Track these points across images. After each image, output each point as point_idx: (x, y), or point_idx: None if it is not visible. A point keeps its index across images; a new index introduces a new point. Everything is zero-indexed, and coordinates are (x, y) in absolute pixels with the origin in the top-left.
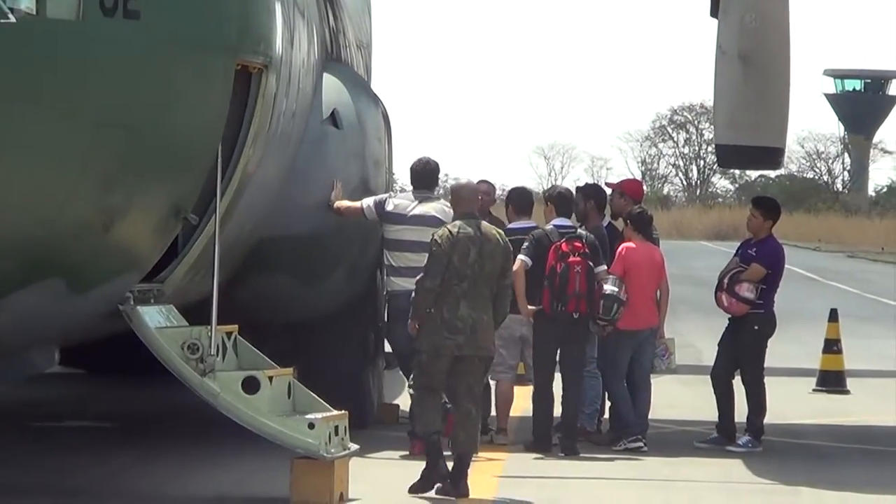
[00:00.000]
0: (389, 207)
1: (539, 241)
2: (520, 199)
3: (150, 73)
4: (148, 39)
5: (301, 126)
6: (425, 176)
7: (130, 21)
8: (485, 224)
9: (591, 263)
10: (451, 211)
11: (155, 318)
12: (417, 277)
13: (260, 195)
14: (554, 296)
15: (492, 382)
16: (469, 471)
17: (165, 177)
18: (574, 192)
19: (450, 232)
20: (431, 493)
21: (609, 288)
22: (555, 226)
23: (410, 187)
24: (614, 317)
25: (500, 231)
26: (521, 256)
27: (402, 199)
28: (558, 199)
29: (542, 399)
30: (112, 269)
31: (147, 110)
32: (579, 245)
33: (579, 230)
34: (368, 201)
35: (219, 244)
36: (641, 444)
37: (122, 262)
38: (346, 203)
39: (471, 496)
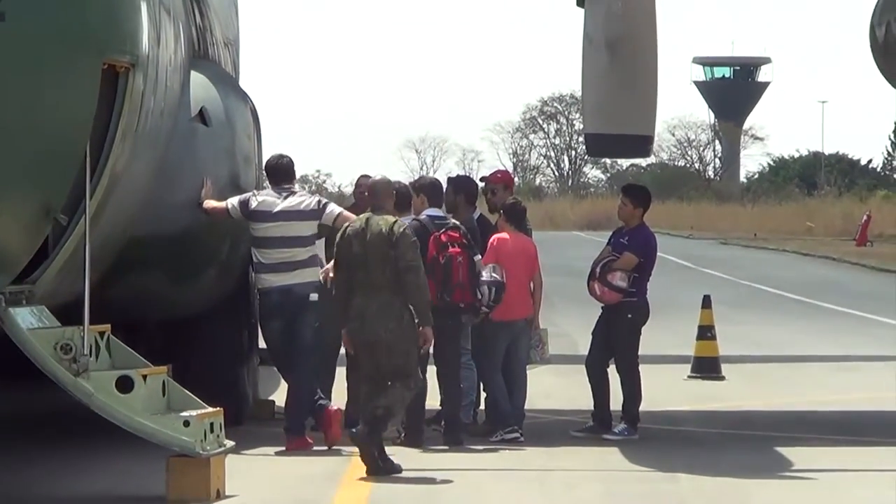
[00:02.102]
0: (254, 205)
1: (417, 233)
2: (436, 190)
3: (15, 75)
4: (13, 41)
5: (169, 124)
6: (280, 171)
7: None
8: (374, 217)
9: (470, 254)
10: (313, 201)
11: (27, 320)
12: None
13: (129, 194)
14: (438, 286)
15: None
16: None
17: (34, 178)
18: (447, 183)
19: (343, 229)
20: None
21: (489, 275)
22: (429, 216)
23: (268, 185)
24: (495, 302)
25: (389, 221)
26: None
27: (266, 196)
28: (430, 189)
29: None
30: None
31: (13, 111)
32: (457, 235)
33: (453, 221)
34: (233, 201)
35: (90, 244)
36: (518, 434)
37: None
38: (212, 203)
39: (347, 491)
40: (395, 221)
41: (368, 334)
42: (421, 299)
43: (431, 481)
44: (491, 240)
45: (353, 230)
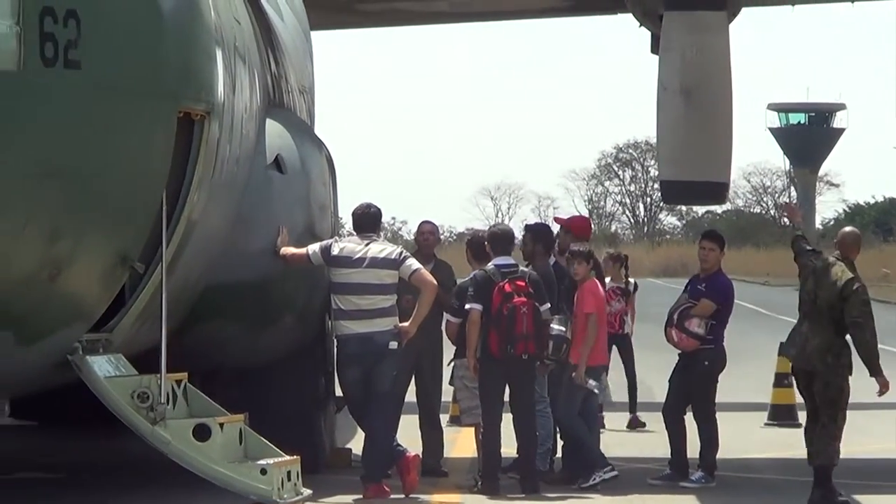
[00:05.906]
0: (335, 251)
1: (482, 284)
2: (500, 239)
3: (92, 123)
4: (89, 89)
5: (245, 172)
6: (367, 221)
7: (71, 71)
8: (837, 266)
9: (536, 303)
10: (395, 251)
11: (104, 368)
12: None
13: (205, 242)
14: (502, 338)
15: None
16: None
17: (111, 226)
18: (524, 230)
19: (810, 262)
20: None
21: (557, 328)
22: (496, 265)
23: (353, 233)
24: (562, 356)
25: (845, 277)
26: (469, 305)
27: (348, 243)
28: (491, 239)
29: (490, 440)
30: (60, 319)
31: (90, 160)
32: (523, 284)
33: (521, 268)
34: (314, 247)
35: (166, 292)
36: (615, 472)
37: (70, 313)
38: (291, 250)
39: None
40: (850, 279)
41: (805, 364)
42: (867, 354)
43: None
44: (591, 288)
45: (812, 268)
